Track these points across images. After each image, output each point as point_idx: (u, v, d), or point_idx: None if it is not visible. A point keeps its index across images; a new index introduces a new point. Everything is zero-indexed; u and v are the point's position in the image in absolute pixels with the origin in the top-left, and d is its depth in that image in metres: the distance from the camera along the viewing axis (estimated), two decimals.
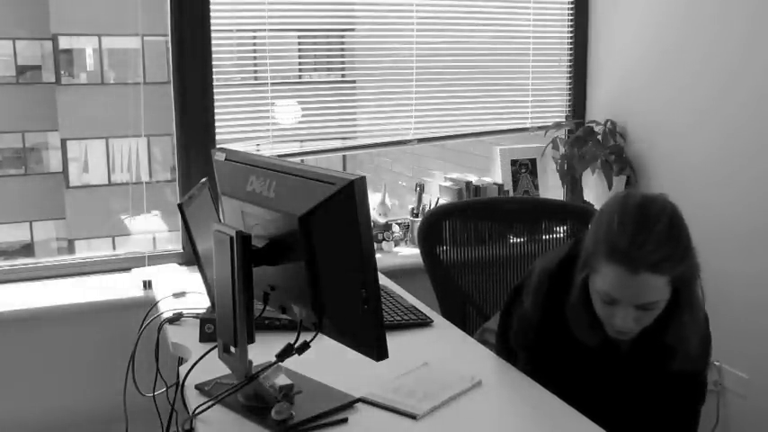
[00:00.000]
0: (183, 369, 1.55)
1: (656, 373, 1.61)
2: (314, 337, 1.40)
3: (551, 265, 1.65)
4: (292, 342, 1.41)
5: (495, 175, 3.25)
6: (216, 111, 2.76)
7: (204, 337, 1.82)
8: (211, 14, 2.69)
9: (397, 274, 2.54)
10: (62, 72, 12.27)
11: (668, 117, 2.88)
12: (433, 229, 2.37)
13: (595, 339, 1.56)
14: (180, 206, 1.84)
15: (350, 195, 1.24)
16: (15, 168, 12.51)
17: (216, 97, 2.75)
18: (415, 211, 3.16)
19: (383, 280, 2.31)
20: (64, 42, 12.19)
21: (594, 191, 3.05)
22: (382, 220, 3.10)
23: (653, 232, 1.45)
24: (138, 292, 2.56)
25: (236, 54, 2.85)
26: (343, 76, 3.14)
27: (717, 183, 2.68)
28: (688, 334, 1.57)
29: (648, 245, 1.43)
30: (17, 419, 2.53)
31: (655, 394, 1.63)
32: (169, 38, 2.68)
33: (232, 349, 1.45)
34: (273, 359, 1.42)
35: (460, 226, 2.41)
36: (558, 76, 3.30)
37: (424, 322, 1.95)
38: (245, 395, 1.47)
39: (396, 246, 3.09)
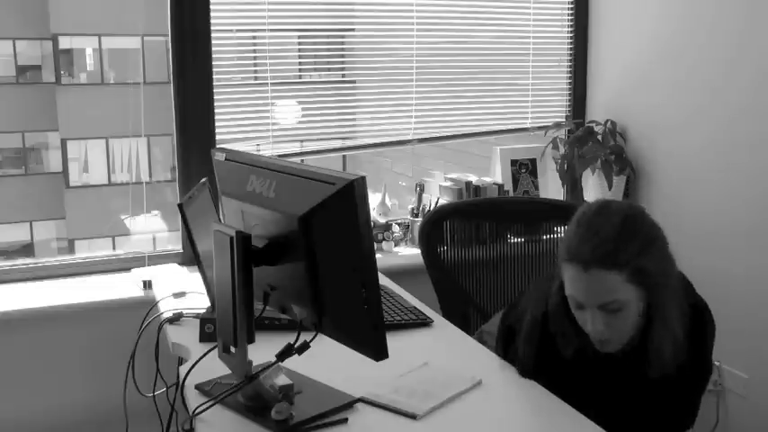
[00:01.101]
0: (183, 369, 1.55)
1: (647, 377, 1.58)
2: (314, 337, 1.40)
3: (538, 312, 1.64)
4: (292, 342, 1.41)
5: (495, 175, 3.25)
6: (216, 111, 2.76)
7: (204, 337, 1.82)
8: (211, 14, 2.69)
9: (397, 274, 2.54)
10: (62, 72, 12.28)
11: (668, 117, 2.88)
12: (434, 229, 2.37)
13: (576, 346, 1.56)
14: (180, 206, 1.84)
15: (350, 195, 1.24)
16: (15, 168, 12.51)
17: (216, 97, 2.75)
18: (415, 211, 3.16)
19: (383, 280, 2.31)
20: (64, 42, 12.19)
21: (594, 191, 3.05)
22: (382, 220, 3.10)
23: (603, 230, 1.47)
24: (138, 292, 2.56)
25: (236, 54, 2.85)
26: (343, 76, 3.14)
27: (717, 182, 2.68)
28: (659, 343, 1.53)
29: (597, 240, 1.46)
30: (17, 419, 2.53)
31: (652, 394, 1.63)
32: (169, 38, 2.68)
33: (232, 349, 1.45)
34: (273, 359, 1.42)
35: (461, 226, 2.41)
36: (558, 76, 3.30)
37: (424, 322, 1.95)
38: (245, 395, 1.47)
39: (396, 246, 3.09)
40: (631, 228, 1.49)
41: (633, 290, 1.46)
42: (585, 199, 3.14)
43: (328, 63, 3.16)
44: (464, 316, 2.31)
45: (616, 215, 1.50)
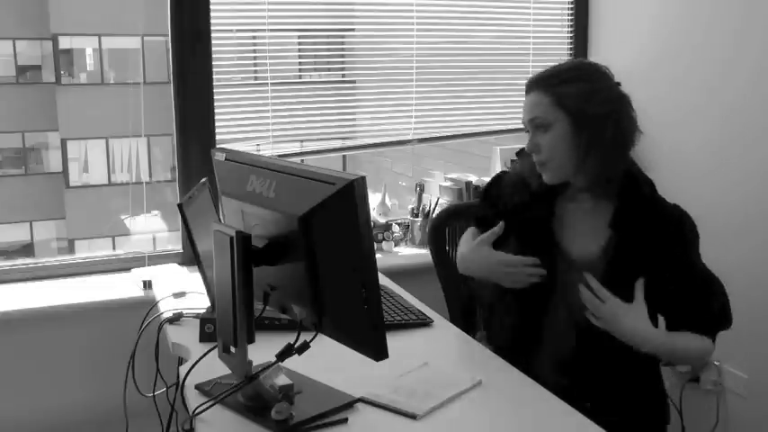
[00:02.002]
0: (183, 369, 1.55)
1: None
2: (314, 337, 1.40)
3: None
4: (292, 342, 1.41)
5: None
6: (216, 111, 2.76)
7: (204, 337, 1.82)
8: (211, 14, 2.69)
9: (397, 274, 2.54)
10: (62, 72, 12.28)
11: (667, 116, 2.88)
12: (441, 228, 2.37)
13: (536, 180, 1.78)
14: (180, 206, 1.84)
15: (350, 195, 1.24)
16: (15, 168, 12.52)
17: (216, 97, 2.75)
18: (414, 211, 3.16)
19: (383, 280, 2.31)
20: (64, 42, 12.20)
21: None
22: (382, 220, 3.10)
23: (551, 67, 1.75)
24: (138, 292, 2.57)
25: (236, 54, 2.85)
26: (343, 76, 3.14)
27: (717, 182, 2.68)
28: (592, 164, 1.71)
29: (540, 72, 1.74)
30: (17, 419, 2.53)
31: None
32: (169, 38, 2.68)
33: (232, 349, 1.45)
34: (273, 359, 1.42)
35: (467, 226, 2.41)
36: None
37: (424, 322, 1.95)
38: (245, 395, 1.47)
39: (396, 246, 3.09)
40: (577, 68, 1.76)
41: (560, 113, 1.68)
42: None
43: (328, 63, 3.16)
44: (472, 315, 2.29)
45: (577, 60, 1.79)
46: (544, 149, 1.71)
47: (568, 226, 1.79)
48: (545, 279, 1.75)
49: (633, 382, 1.77)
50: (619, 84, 1.78)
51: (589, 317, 1.68)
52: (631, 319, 1.66)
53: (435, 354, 1.78)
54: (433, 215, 2.53)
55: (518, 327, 1.81)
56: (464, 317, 2.23)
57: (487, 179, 3.19)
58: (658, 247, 1.74)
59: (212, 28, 2.70)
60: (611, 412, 1.60)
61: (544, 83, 1.71)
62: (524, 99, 1.75)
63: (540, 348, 1.79)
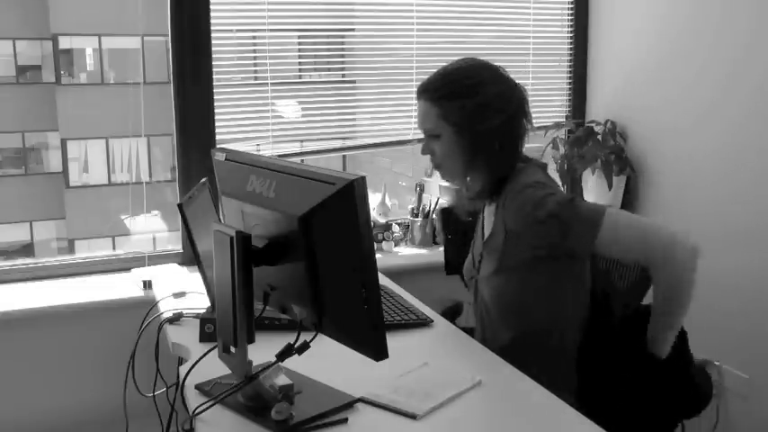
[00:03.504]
0: (183, 369, 1.55)
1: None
2: (314, 337, 1.40)
3: None
4: (292, 342, 1.41)
5: None
6: (216, 111, 2.76)
7: (204, 337, 1.82)
8: (211, 14, 2.69)
9: (397, 274, 2.54)
10: (62, 72, 12.28)
11: (668, 116, 2.88)
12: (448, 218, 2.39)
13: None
14: (180, 206, 1.84)
15: (350, 195, 1.24)
16: (15, 168, 12.52)
17: (216, 97, 2.75)
18: (415, 211, 3.16)
19: (383, 280, 2.30)
20: (64, 42, 12.20)
21: (594, 191, 3.05)
22: (382, 220, 3.10)
23: (440, 73, 1.78)
24: (138, 292, 2.57)
25: (236, 54, 2.85)
26: (343, 76, 3.14)
27: (718, 182, 2.68)
28: (477, 173, 1.78)
29: (428, 79, 1.79)
30: (17, 419, 2.53)
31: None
32: (169, 38, 2.68)
33: (232, 349, 1.45)
34: (273, 359, 1.42)
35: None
36: (558, 76, 3.30)
37: (424, 322, 1.95)
38: (245, 395, 1.47)
39: (396, 246, 3.09)
40: (462, 76, 1.76)
41: (444, 126, 1.74)
42: (585, 199, 3.14)
43: (328, 63, 3.16)
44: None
45: (466, 64, 1.79)
46: (437, 155, 1.80)
47: (487, 225, 1.87)
48: (475, 275, 1.87)
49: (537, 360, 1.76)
50: (512, 82, 1.78)
51: None
52: None
53: (435, 354, 1.78)
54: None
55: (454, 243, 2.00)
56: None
57: None
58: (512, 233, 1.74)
59: (212, 28, 2.70)
60: None
61: (431, 94, 1.76)
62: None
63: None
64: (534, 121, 1.87)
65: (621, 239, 1.61)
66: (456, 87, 1.74)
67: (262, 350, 1.45)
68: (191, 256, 2.12)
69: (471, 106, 1.72)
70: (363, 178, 1.24)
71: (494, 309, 1.81)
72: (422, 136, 1.86)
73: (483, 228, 1.90)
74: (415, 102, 1.86)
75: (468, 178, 1.84)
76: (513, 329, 1.79)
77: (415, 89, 1.87)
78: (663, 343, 1.70)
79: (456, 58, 1.86)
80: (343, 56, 3.14)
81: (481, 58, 1.84)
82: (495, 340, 1.82)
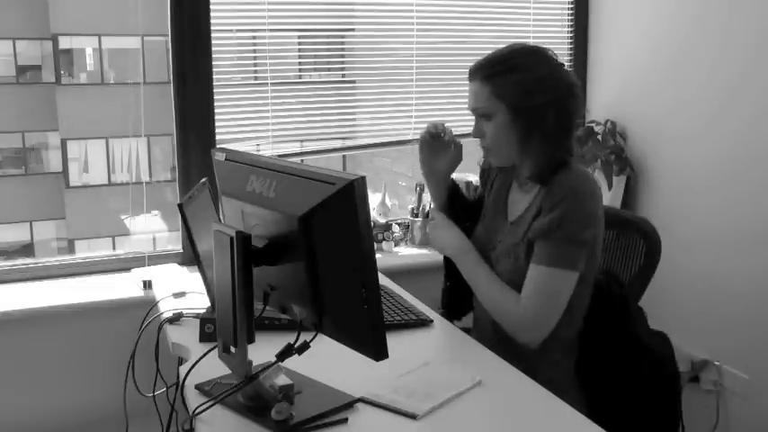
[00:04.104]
0: (183, 369, 1.55)
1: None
2: (314, 337, 1.40)
3: None
4: (292, 342, 1.41)
5: None
6: (216, 111, 2.76)
7: (204, 337, 1.82)
8: (211, 14, 2.69)
9: (397, 274, 2.54)
10: (62, 72, 12.27)
11: (668, 116, 2.89)
12: None
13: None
14: (180, 206, 1.84)
15: (350, 195, 1.24)
16: (15, 168, 12.51)
17: (216, 97, 2.75)
18: (415, 211, 3.16)
19: (383, 280, 2.30)
20: (64, 42, 12.19)
21: None
22: (382, 220, 3.10)
23: (493, 54, 1.77)
24: (138, 292, 2.57)
25: (236, 54, 2.85)
26: (343, 76, 3.14)
27: (718, 183, 2.68)
28: (532, 153, 1.76)
29: (480, 60, 1.77)
30: (17, 419, 2.53)
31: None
32: (169, 38, 2.68)
33: (232, 349, 1.45)
34: (273, 359, 1.42)
35: None
36: None
37: (424, 322, 1.95)
38: (245, 395, 1.47)
39: (396, 246, 3.09)
40: (514, 54, 1.75)
41: (498, 104, 1.73)
42: None
43: (328, 63, 3.16)
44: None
45: (513, 47, 1.78)
46: (487, 136, 1.78)
47: (513, 199, 1.88)
48: (491, 248, 1.85)
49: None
50: (562, 65, 1.78)
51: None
52: (440, 228, 1.88)
53: (435, 354, 1.78)
54: None
55: (455, 289, 1.95)
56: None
57: None
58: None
59: (212, 28, 2.70)
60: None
61: (484, 72, 1.75)
62: (468, 85, 1.80)
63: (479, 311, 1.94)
64: None
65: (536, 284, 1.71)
66: (509, 65, 1.73)
67: (262, 350, 1.45)
68: (191, 256, 2.12)
69: (525, 82, 1.71)
70: (363, 178, 1.25)
71: (510, 282, 1.78)
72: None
73: (506, 205, 1.89)
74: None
75: (518, 163, 1.82)
76: None
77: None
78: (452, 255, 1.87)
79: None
80: (343, 56, 3.14)
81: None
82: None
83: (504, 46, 1.79)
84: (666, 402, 1.81)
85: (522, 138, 1.74)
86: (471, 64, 1.80)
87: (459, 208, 1.99)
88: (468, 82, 1.79)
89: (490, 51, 1.79)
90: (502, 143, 1.77)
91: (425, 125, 1.91)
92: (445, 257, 1.96)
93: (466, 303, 2.00)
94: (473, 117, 1.82)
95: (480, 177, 2.05)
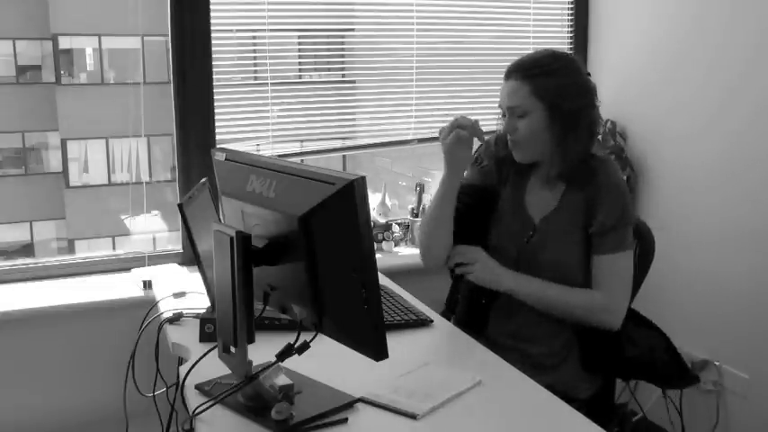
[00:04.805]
0: (183, 369, 1.55)
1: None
2: (314, 337, 1.40)
3: None
4: (292, 342, 1.41)
5: None
6: (216, 111, 2.76)
7: (204, 337, 1.82)
8: (211, 14, 2.69)
9: (397, 274, 2.54)
10: (62, 72, 12.27)
11: (668, 116, 2.88)
12: None
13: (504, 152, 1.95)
14: (180, 206, 1.84)
15: (350, 195, 1.24)
16: (15, 168, 12.51)
17: (216, 97, 2.75)
18: (414, 211, 3.16)
19: (383, 280, 2.31)
20: (64, 42, 12.18)
21: None
22: (382, 220, 3.10)
23: (531, 56, 1.87)
24: (138, 292, 2.57)
25: (236, 54, 2.85)
26: (343, 76, 3.14)
27: (718, 183, 2.68)
28: (564, 152, 1.84)
29: (520, 61, 1.86)
30: (17, 419, 2.53)
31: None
32: (169, 38, 2.68)
33: (232, 349, 1.45)
34: (273, 359, 1.42)
35: None
36: None
37: (424, 322, 1.95)
38: (245, 395, 1.47)
39: (396, 246, 3.09)
40: (553, 59, 1.85)
41: (536, 103, 1.81)
42: None
43: (328, 63, 3.15)
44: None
45: (550, 50, 1.89)
46: (519, 133, 1.86)
47: (531, 199, 1.94)
48: (517, 248, 1.92)
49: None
50: (589, 74, 1.89)
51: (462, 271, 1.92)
52: (488, 264, 1.90)
53: (435, 354, 1.78)
54: None
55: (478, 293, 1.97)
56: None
57: None
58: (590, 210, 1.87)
59: (212, 28, 2.70)
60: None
61: (523, 72, 1.83)
62: (503, 84, 1.88)
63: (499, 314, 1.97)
64: None
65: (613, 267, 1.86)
66: (549, 68, 1.83)
67: (262, 350, 1.45)
68: (191, 256, 2.12)
69: (564, 86, 1.81)
70: (363, 178, 1.25)
71: (550, 272, 1.88)
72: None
73: (524, 203, 1.95)
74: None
75: (546, 161, 1.89)
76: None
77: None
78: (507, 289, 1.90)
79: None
80: (343, 56, 3.14)
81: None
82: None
83: (540, 50, 1.91)
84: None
85: (558, 138, 1.83)
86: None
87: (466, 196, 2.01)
88: (503, 80, 1.88)
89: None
90: (535, 140, 1.85)
91: (454, 119, 1.92)
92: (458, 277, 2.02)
93: (483, 319, 2.02)
94: (500, 114, 1.91)
95: (496, 168, 2.04)
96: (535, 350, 1.92)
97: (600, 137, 3.06)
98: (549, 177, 1.90)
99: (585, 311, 1.85)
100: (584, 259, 1.88)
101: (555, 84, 1.81)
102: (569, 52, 1.90)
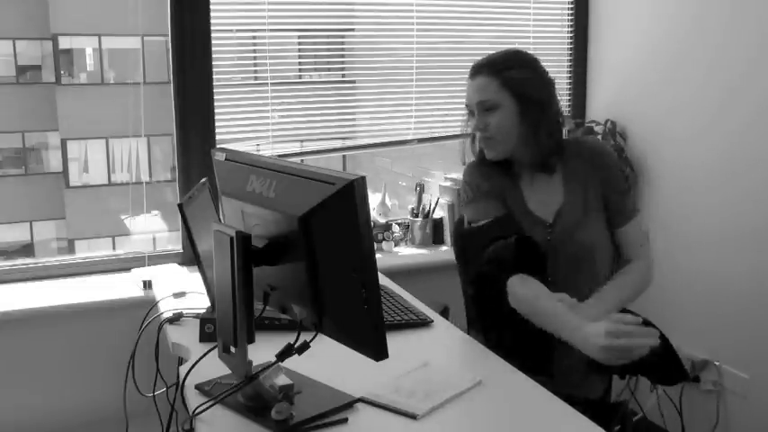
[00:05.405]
0: (183, 369, 1.55)
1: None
2: (314, 337, 1.40)
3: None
4: (292, 342, 1.41)
5: None
6: (216, 111, 2.76)
7: (204, 337, 1.82)
8: (211, 14, 2.69)
9: (397, 274, 2.54)
10: (62, 72, 12.28)
11: (668, 116, 2.88)
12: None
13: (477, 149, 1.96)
14: (180, 206, 1.84)
15: (350, 195, 1.24)
16: (15, 168, 12.52)
17: (216, 97, 2.75)
18: (415, 211, 3.16)
19: (383, 280, 2.31)
20: (64, 42, 12.20)
21: None
22: (382, 220, 3.10)
23: (496, 53, 1.90)
24: (138, 292, 2.57)
25: (236, 54, 2.85)
26: (343, 76, 3.14)
27: (718, 182, 2.68)
28: (537, 143, 1.87)
29: (485, 58, 1.89)
30: (17, 419, 2.53)
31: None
32: (169, 38, 2.68)
33: (232, 349, 1.45)
34: (273, 359, 1.42)
35: None
36: (558, 76, 3.29)
37: (424, 322, 1.95)
38: (245, 395, 1.47)
39: (396, 246, 3.10)
40: (517, 55, 1.90)
41: (506, 96, 1.84)
42: None
43: (328, 63, 3.16)
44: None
45: (516, 49, 1.94)
46: (491, 128, 1.87)
47: (532, 201, 1.94)
48: (544, 238, 1.90)
49: None
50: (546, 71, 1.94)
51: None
52: (571, 331, 1.67)
53: (435, 354, 1.78)
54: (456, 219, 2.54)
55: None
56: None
57: None
58: (595, 181, 1.91)
59: (212, 28, 2.70)
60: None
61: (492, 67, 1.86)
62: (469, 83, 1.89)
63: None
64: None
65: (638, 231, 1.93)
66: (518, 62, 1.87)
67: (262, 350, 1.45)
68: (191, 256, 2.12)
69: (531, 78, 1.85)
70: (363, 178, 1.24)
71: (580, 260, 1.88)
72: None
73: (529, 208, 1.93)
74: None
75: (518, 154, 1.91)
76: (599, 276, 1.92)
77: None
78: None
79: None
80: (343, 56, 3.14)
81: None
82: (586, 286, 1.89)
83: (503, 50, 1.93)
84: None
85: (530, 129, 1.85)
86: (471, 63, 1.89)
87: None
88: (468, 80, 1.89)
89: (491, 52, 1.91)
90: (508, 133, 1.86)
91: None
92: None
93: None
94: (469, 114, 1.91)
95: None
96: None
97: (579, 131, 3.12)
98: (531, 174, 1.93)
99: (642, 286, 1.92)
100: (605, 233, 1.92)
101: (522, 76, 1.85)
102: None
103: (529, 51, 1.95)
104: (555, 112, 1.90)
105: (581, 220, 1.89)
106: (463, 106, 1.93)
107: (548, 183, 1.93)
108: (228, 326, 1.42)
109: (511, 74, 1.84)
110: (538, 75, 1.88)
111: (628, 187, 1.94)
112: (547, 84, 1.89)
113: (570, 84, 3.30)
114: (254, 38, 2.87)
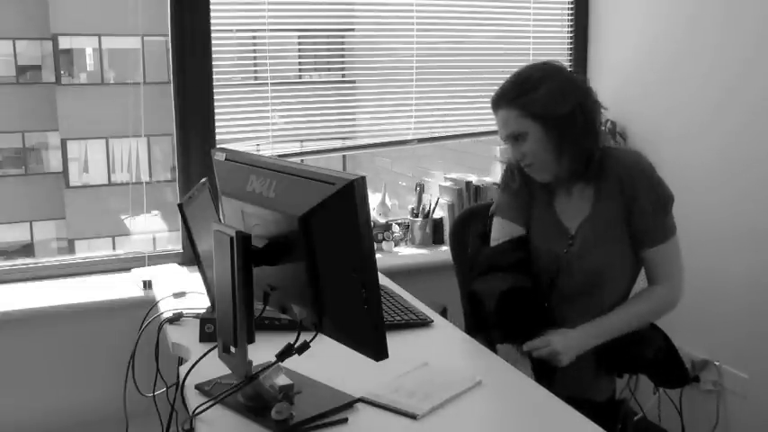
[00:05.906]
0: (183, 369, 1.55)
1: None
2: (314, 337, 1.40)
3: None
4: (292, 342, 1.41)
5: (495, 175, 3.25)
6: (216, 111, 2.76)
7: (204, 337, 1.82)
8: (211, 14, 2.69)
9: (397, 274, 2.54)
10: (62, 72, 12.28)
11: (668, 116, 2.88)
12: (461, 229, 2.36)
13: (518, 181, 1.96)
14: (180, 206, 1.84)
15: (350, 195, 1.24)
16: (15, 168, 12.52)
17: (216, 97, 2.75)
18: (415, 212, 3.16)
19: (383, 280, 2.30)
20: (64, 42, 12.20)
21: None
22: (382, 220, 3.10)
23: (509, 80, 1.88)
24: (138, 292, 2.57)
25: (236, 54, 2.85)
26: (343, 76, 3.14)
27: (717, 182, 2.68)
28: (570, 155, 1.85)
29: (500, 89, 1.88)
30: (17, 419, 2.53)
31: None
32: (169, 38, 2.68)
33: (232, 349, 1.45)
34: (273, 359, 1.42)
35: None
36: None
37: (424, 322, 1.95)
38: (245, 395, 1.47)
39: (396, 246, 3.09)
40: (531, 71, 1.86)
41: (529, 122, 1.82)
42: None
43: (328, 63, 3.16)
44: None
45: (532, 67, 1.88)
46: (528, 156, 1.86)
47: (562, 209, 1.93)
48: (557, 259, 1.89)
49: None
50: (571, 71, 1.90)
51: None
52: (564, 343, 1.79)
53: (435, 354, 1.78)
54: (454, 219, 2.53)
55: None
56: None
57: (488, 179, 3.21)
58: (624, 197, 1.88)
59: (212, 28, 2.70)
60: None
61: (507, 99, 1.85)
62: (495, 116, 1.89)
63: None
64: None
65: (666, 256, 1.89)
66: (525, 85, 1.83)
67: (262, 350, 1.45)
68: (191, 256, 2.12)
69: (547, 96, 1.81)
70: (363, 178, 1.25)
71: (590, 276, 1.87)
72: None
73: (556, 214, 1.93)
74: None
75: (559, 168, 1.88)
76: (617, 293, 1.92)
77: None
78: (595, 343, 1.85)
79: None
80: (343, 56, 3.14)
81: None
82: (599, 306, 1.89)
83: (514, 72, 1.89)
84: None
85: (557, 145, 1.83)
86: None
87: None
88: (493, 114, 1.90)
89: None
90: (541, 155, 1.84)
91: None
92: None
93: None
94: (506, 139, 1.90)
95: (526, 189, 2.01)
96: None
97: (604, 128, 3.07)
98: (567, 186, 1.91)
99: (657, 314, 1.90)
100: (625, 255, 1.89)
101: (539, 96, 1.81)
102: (544, 60, 1.92)
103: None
104: (584, 120, 1.84)
105: (602, 237, 1.87)
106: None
107: (581, 193, 1.91)
108: (228, 326, 1.42)
109: (526, 100, 1.82)
110: (554, 87, 1.82)
111: (662, 210, 1.88)
112: (566, 93, 1.82)
113: None
114: (254, 38, 2.87)
